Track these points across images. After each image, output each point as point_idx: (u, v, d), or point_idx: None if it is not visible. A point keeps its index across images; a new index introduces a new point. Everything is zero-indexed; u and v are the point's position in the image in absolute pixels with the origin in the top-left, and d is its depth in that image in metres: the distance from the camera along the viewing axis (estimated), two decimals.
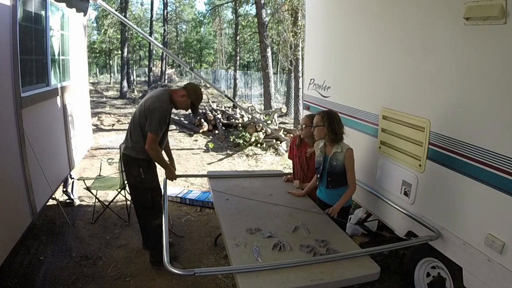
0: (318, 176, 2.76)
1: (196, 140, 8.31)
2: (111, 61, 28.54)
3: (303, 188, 3.04)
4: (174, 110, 3.15)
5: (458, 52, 2.17)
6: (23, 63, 3.05)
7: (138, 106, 2.95)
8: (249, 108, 11.04)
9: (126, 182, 3.78)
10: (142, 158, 2.90)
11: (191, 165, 6.29)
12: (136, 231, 3.67)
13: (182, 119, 10.00)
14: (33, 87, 3.40)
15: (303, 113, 4.34)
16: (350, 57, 3.35)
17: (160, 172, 3.09)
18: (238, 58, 18.27)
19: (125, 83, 17.57)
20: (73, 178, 4.56)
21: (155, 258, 3.02)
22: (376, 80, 2.95)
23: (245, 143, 7.49)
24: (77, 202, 4.34)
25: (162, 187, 3.04)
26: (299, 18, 9.81)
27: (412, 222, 2.54)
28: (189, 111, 3.09)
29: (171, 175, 3.16)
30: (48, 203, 3.80)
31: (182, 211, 4.32)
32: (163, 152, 3.15)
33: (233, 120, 9.02)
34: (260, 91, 16.47)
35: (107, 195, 4.42)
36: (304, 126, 3.03)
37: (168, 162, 3.21)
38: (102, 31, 23.25)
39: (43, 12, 3.65)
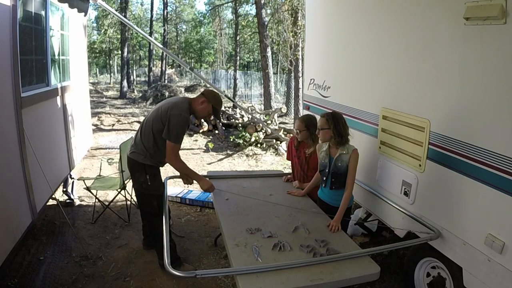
0: (324, 178, 2.72)
1: (196, 140, 8.30)
2: (111, 61, 28.58)
3: (303, 188, 3.03)
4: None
5: (458, 52, 2.17)
6: (23, 63, 3.04)
7: (152, 111, 2.82)
8: (249, 108, 11.03)
9: (126, 182, 3.80)
10: (149, 165, 2.80)
11: (191, 165, 6.24)
12: (136, 231, 3.68)
13: None
14: (33, 87, 3.40)
15: (303, 113, 4.34)
16: (350, 57, 3.35)
17: (162, 172, 3.03)
18: (238, 58, 18.28)
19: (125, 83, 17.61)
20: (73, 178, 4.56)
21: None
22: (376, 80, 2.95)
23: (245, 143, 7.49)
24: (77, 202, 4.34)
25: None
26: (299, 18, 9.81)
27: (412, 222, 2.54)
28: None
29: (207, 186, 2.91)
30: (48, 203, 3.80)
31: (182, 211, 4.32)
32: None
33: (233, 120, 9.02)
34: (260, 91, 16.49)
35: (107, 195, 4.42)
36: (298, 131, 3.00)
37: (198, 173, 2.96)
38: (102, 31, 23.29)
39: (43, 12, 3.65)
